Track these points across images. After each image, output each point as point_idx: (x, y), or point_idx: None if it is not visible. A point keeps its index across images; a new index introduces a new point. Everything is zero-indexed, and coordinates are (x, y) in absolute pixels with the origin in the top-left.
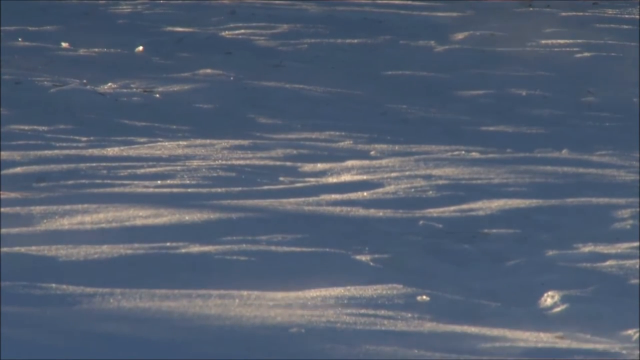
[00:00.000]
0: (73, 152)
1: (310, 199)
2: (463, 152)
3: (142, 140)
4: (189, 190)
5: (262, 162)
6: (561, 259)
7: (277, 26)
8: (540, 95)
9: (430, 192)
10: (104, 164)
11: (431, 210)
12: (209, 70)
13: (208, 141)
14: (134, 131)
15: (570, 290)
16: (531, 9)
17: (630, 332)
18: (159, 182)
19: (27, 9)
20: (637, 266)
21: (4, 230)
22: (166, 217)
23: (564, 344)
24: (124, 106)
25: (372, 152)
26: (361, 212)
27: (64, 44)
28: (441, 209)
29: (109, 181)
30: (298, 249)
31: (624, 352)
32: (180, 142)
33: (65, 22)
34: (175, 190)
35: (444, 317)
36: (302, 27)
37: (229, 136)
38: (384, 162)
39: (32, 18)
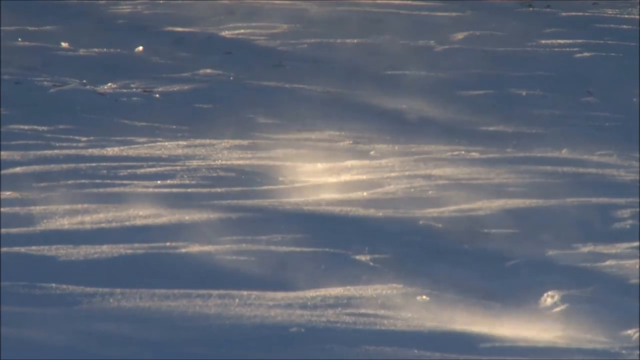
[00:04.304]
0: (73, 152)
1: (310, 199)
2: (463, 152)
3: (142, 140)
4: (189, 190)
5: (262, 162)
6: (561, 259)
7: (277, 26)
8: (540, 95)
9: (430, 192)
10: (104, 164)
11: (431, 210)
12: (209, 70)
13: (208, 141)
14: (134, 131)
15: (570, 290)
16: (531, 9)
17: (630, 332)
18: (159, 182)
19: (27, 9)
20: (637, 266)
21: (4, 230)
22: (166, 217)
23: (564, 344)
24: (123, 106)
25: (372, 152)
26: (361, 212)
27: (64, 44)
28: (441, 209)
29: (109, 181)
30: (298, 249)
31: (623, 352)
32: (180, 142)
33: (65, 22)
34: (175, 190)
35: (444, 317)
36: (302, 27)
37: (229, 136)
38: (384, 162)
39: (32, 18)
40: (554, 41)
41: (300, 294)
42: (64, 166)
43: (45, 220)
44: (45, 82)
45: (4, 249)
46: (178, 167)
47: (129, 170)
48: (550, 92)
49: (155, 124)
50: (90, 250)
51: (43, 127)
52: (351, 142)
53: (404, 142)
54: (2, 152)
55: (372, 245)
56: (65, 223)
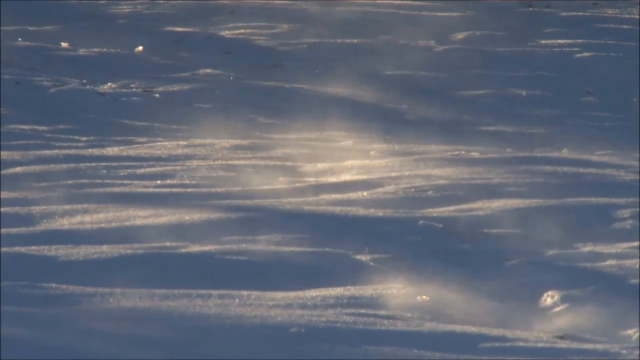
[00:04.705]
0: (73, 152)
1: (310, 199)
2: (463, 152)
3: (142, 140)
4: (189, 190)
5: (262, 162)
6: (561, 259)
7: (277, 26)
8: (540, 95)
9: (430, 192)
10: (104, 163)
11: (431, 210)
12: (209, 70)
13: (208, 141)
14: (134, 131)
15: (570, 290)
16: (531, 9)
17: (630, 332)
18: (158, 182)
19: (27, 9)
20: (637, 266)
21: (4, 230)
22: (166, 217)
23: (564, 344)
24: (124, 106)
25: (372, 152)
26: (361, 212)
27: (64, 44)
28: (441, 209)
29: (109, 181)
30: (298, 249)
31: (623, 352)
32: (180, 142)
33: (65, 22)
34: (175, 190)
35: (444, 317)
36: (302, 27)
37: (229, 136)
38: (384, 162)
39: (32, 18)
40: (554, 41)
41: (300, 294)
42: (64, 166)
43: (45, 220)
44: (45, 82)
45: (4, 249)
46: (178, 167)
47: (129, 170)
48: (550, 92)
49: (155, 124)
50: (90, 250)
51: (43, 127)
52: (351, 142)
53: (404, 142)
54: (2, 152)
55: (372, 245)
56: (65, 223)
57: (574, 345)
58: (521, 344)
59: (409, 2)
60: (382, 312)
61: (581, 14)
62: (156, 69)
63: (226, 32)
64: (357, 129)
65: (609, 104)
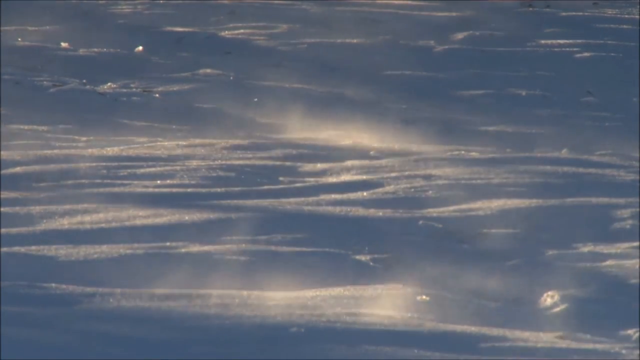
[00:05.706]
0: (73, 152)
1: (310, 199)
2: (463, 152)
3: (142, 140)
4: (189, 190)
5: (262, 162)
6: (561, 259)
7: (277, 26)
8: (540, 95)
9: (430, 192)
10: (104, 163)
11: (431, 210)
12: (208, 70)
13: (208, 141)
14: (134, 131)
15: (570, 290)
16: (531, 9)
17: (630, 332)
18: (158, 182)
19: (27, 9)
20: (637, 266)
21: (4, 230)
22: (166, 217)
23: (564, 344)
24: (123, 106)
25: (372, 152)
26: (361, 212)
27: (64, 44)
28: (441, 209)
29: (109, 181)
30: (298, 249)
31: (623, 352)
32: (180, 142)
33: (65, 22)
34: (175, 190)
35: (444, 317)
36: (302, 27)
37: (229, 136)
38: (383, 162)
39: (32, 18)
40: (554, 41)
41: (300, 294)
42: (64, 166)
43: (45, 220)
44: (45, 82)
45: (4, 249)
46: (178, 167)
47: (129, 170)
48: (550, 92)
49: (155, 123)
50: (90, 250)
51: (43, 127)
52: (351, 142)
53: (404, 142)
54: (2, 152)
55: (372, 245)
56: (65, 223)
57: (574, 345)
58: (521, 344)
59: (408, 2)
60: (382, 312)
61: (581, 14)
62: (156, 69)
63: (226, 32)
64: (357, 129)
65: (609, 104)
